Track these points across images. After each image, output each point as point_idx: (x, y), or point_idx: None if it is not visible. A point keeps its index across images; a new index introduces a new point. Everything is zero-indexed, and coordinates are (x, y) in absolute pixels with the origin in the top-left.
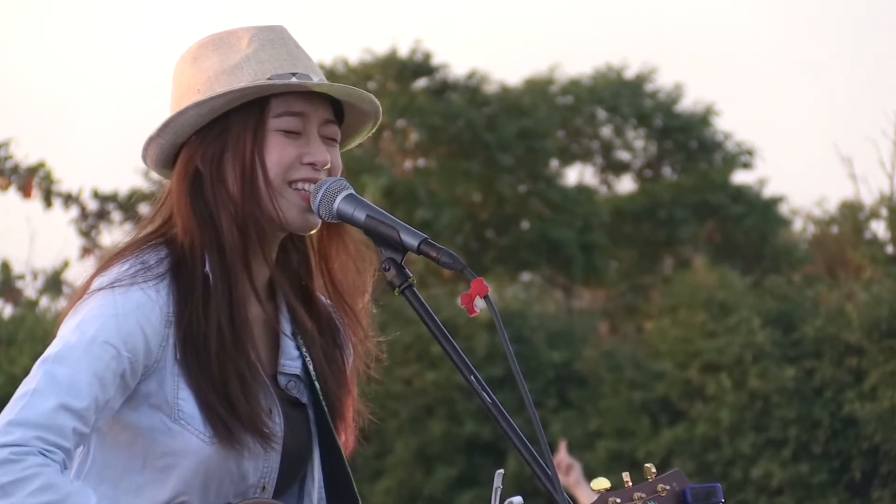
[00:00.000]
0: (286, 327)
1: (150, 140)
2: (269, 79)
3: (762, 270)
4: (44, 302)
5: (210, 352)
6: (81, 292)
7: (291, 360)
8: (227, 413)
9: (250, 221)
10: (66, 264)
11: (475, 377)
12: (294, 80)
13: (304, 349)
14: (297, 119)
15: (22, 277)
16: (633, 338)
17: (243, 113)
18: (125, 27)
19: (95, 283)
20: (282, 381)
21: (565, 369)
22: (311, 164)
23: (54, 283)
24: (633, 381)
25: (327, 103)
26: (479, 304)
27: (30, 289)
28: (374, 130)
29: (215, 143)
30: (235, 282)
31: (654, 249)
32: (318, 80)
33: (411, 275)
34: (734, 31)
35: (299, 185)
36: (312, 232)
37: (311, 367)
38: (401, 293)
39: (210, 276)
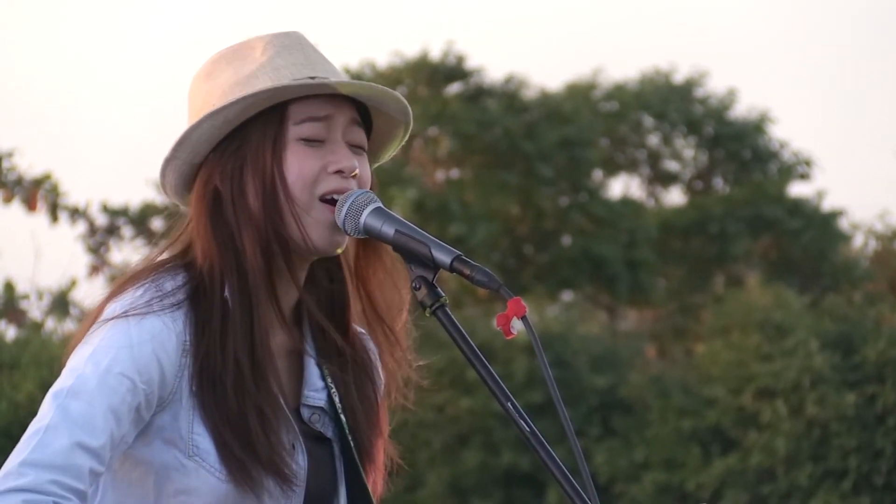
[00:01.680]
0: (311, 356)
1: (167, 163)
2: (285, 85)
3: (820, 289)
4: (49, 324)
5: (227, 386)
6: (93, 319)
7: (316, 391)
8: (246, 453)
9: (274, 241)
10: (73, 283)
11: (512, 404)
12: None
13: (329, 380)
14: (320, 124)
15: (26, 297)
16: (683, 361)
17: (261, 122)
18: (139, 29)
19: (108, 310)
20: (305, 413)
21: (609, 395)
22: (339, 172)
23: (61, 304)
24: (683, 408)
25: (352, 105)
26: (517, 325)
27: (35, 309)
28: (405, 140)
29: (234, 159)
30: (257, 308)
31: (704, 267)
32: (337, 80)
33: (444, 294)
34: (790, 33)
35: (328, 197)
36: (339, 251)
37: (336, 400)
38: (432, 314)
39: (229, 302)
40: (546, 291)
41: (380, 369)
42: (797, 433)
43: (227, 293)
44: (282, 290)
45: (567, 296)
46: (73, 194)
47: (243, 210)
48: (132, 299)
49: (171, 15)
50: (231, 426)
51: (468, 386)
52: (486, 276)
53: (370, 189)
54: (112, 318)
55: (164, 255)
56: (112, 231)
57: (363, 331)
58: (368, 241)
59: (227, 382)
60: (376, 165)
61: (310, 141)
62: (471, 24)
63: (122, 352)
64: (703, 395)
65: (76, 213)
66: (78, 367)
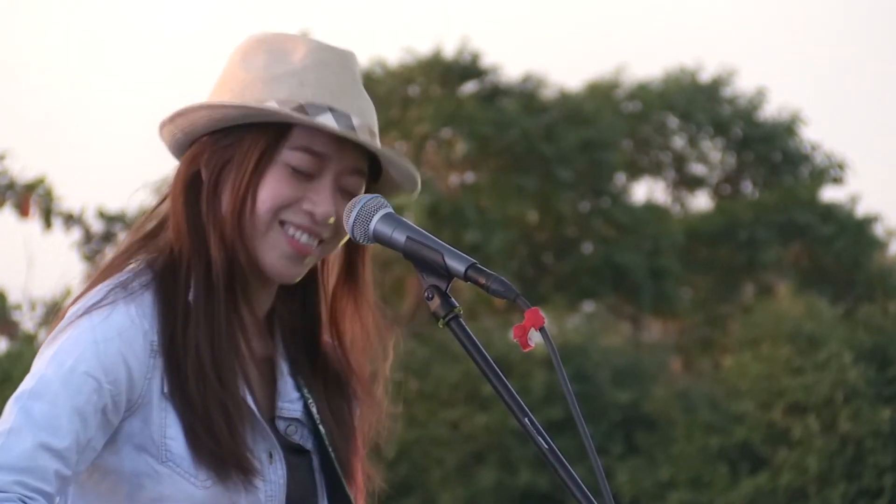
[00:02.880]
0: (284, 366)
1: (162, 125)
2: (299, 105)
3: (854, 299)
4: (43, 336)
5: (188, 377)
6: (60, 319)
7: (291, 401)
8: (212, 444)
9: (238, 249)
10: (67, 293)
11: (530, 420)
12: (327, 116)
13: (305, 391)
14: (314, 161)
15: (18, 308)
16: (709, 375)
17: (260, 131)
18: (138, 28)
19: (72, 310)
20: (280, 425)
21: (633, 411)
22: (311, 214)
23: (55, 315)
24: (710, 424)
25: (360, 152)
26: (535, 337)
27: (27, 321)
28: (413, 196)
29: (223, 153)
30: (219, 305)
31: (732, 275)
32: (358, 124)
33: (458, 304)
34: (823, 29)
35: (290, 231)
36: (292, 282)
37: (314, 410)
38: (446, 325)
39: (191, 294)
40: (566, 302)
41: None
42: (830, 450)
43: (191, 281)
44: (252, 293)
45: (588, 306)
46: (68, 199)
47: (215, 209)
48: (96, 296)
49: (173, 15)
50: (198, 418)
51: (483, 401)
52: (503, 285)
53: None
54: (76, 318)
55: (139, 235)
56: (109, 238)
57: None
58: (351, 282)
59: (188, 373)
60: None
61: (296, 171)
62: (486, 19)
63: (86, 351)
64: (731, 411)
65: (71, 220)
66: (41, 368)
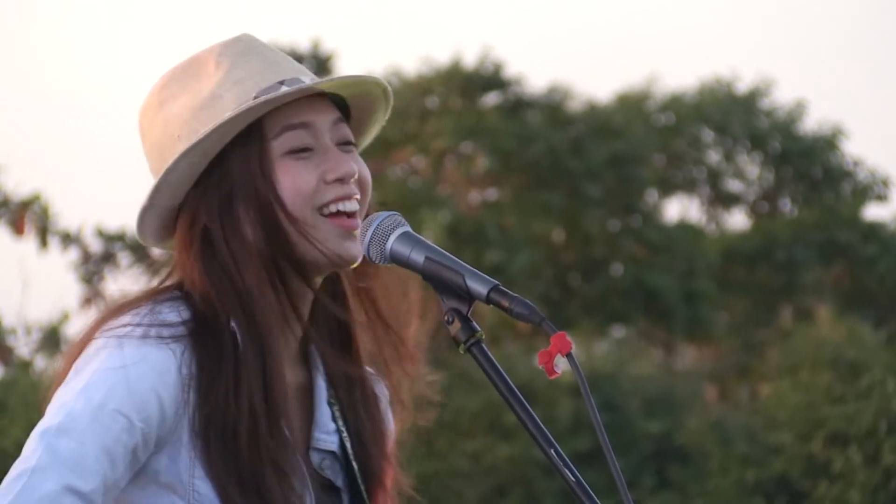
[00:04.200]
0: (322, 394)
1: (144, 211)
2: (254, 97)
3: None
4: (39, 362)
5: (240, 436)
6: (82, 346)
7: (327, 433)
8: (258, 500)
9: (283, 270)
10: (65, 317)
11: (556, 451)
12: (284, 88)
13: (340, 422)
14: (302, 132)
15: (13, 332)
16: (746, 404)
17: (240, 147)
18: (138, 42)
19: (99, 336)
20: (314, 458)
21: (665, 442)
22: (339, 180)
23: (51, 340)
24: (746, 456)
25: (330, 102)
26: (562, 363)
27: (22, 346)
28: (387, 116)
29: (219, 192)
30: (270, 350)
31: (770, 298)
32: (309, 80)
33: (479, 329)
34: (864, 39)
35: (332, 208)
36: (355, 264)
37: (348, 445)
38: (467, 350)
39: (240, 344)
40: (594, 326)
41: (390, 418)
42: (873, 484)
43: (234, 331)
44: (287, 326)
45: (617, 331)
46: (65, 217)
47: (240, 245)
48: (128, 326)
49: (174, 28)
50: (241, 482)
51: (507, 431)
52: (527, 308)
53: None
54: (105, 346)
55: (166, 284)
56: (108, 258)
57: (373, 372)
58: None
59: (240, 432)
60: (361, 149)
61: (296, 151)
62: (509, 27)
63: (117, 386)
64: (769, 442)
65: (68, 239)
66: (68, 402)
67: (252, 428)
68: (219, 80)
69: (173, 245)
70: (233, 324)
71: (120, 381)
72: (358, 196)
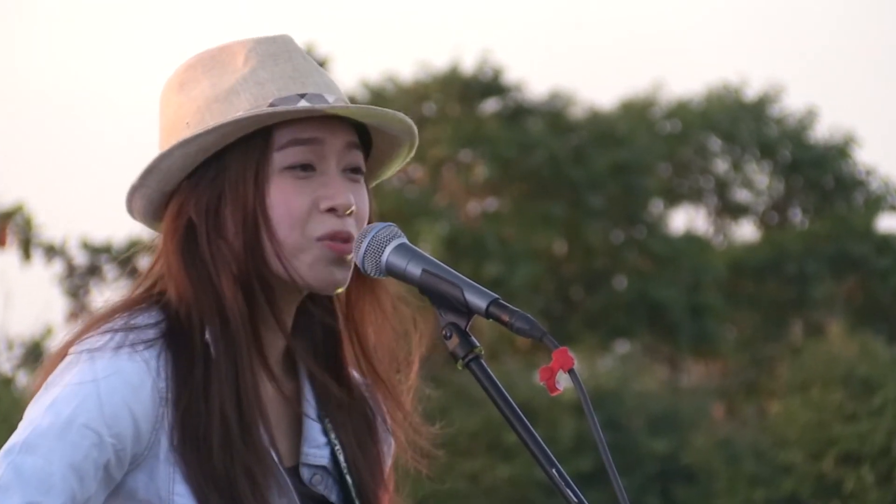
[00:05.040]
0: (311, 408)
1: (134, 190)
2: (270, 104)
3: None
4: (21, 378)
5: (212, 444)
6: (55, 362)
7: (317, 447)
8: None
9: (257, 282)
10: (48, 332)
11: (558, 472)
12: (303, 103)
13: (332, 435)
14: (309, 148)
15: None
16: (755, 422)
17: (242, 149)
18: (125, 48)
19: (72, 351)
20: (305, 474)
21: (670, 462)
22: (332, 210)
23: (34, 355)
24: (754, 475)
25: (348, 126)
26: (564, 380)
27: (4, 361)
28: (410, 157)
29: (211, 189)
30: (242, 357)
31: (780, 313)
32: (333, 100)
33: (478, 344)
34: (877, 44)
35: (329, 243)
36: (340, 290)
37: (341, 458)
38: (465, 367)
39: (211, 349)
40: (597, 341)
41: (386, 424)
42: None
43: (207, 336)
44: (268, 336)
45: (621, 346)
46: (49, 228)
47: (220, 248)
48: (99, 339)
49: (165, 33)
50: (218, 489)
51: (507, 451)
52: (528, 322)
53: (370, 220)
54: (76, 360)
55: (138, 291)
56: (93, 271)
57: (365, 382)
58: (361, 276)
59: (212, 440)
60: (376, 183)
61: (297, 168)
62: (509, 31)
63: (87, 400)
64: (778, 462)
65: (52, 251)
66: (35, 418)
67: (224, 434)
68: (242, 76)
69: (159, 228)
70: (207, 331)
71: (90, 395)
72: (352, 237)
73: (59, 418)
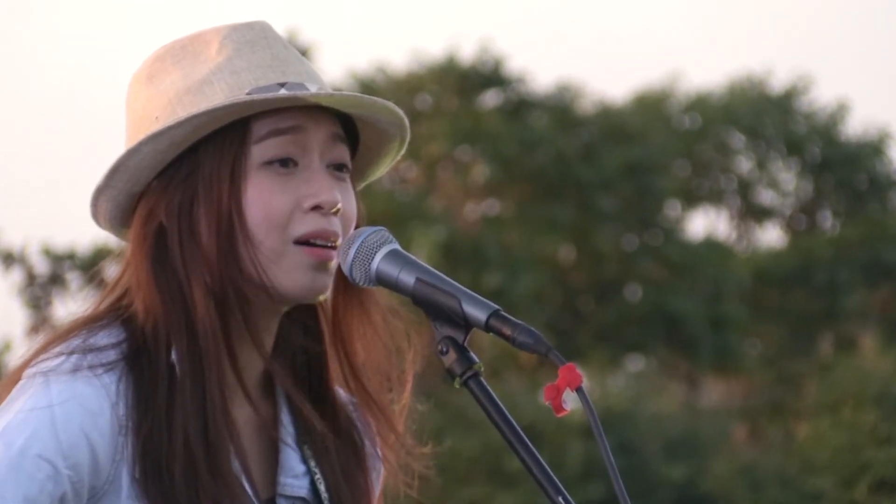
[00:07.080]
0: (288, 435)
1: (99, 192)
2: (247, 93)
3: None
4: None
5: (175, 475)
6: (8, 386)
7: (295, 477)
8: None
9: (233, 293)
10: (6, 346)
11: (565, 500)
12: (283, 91)
13: (312, 462)
14: (290, 139)
15: None
16: (780, 446)
17: (216, 143)
18: (87, 44)
19: (26, 374)
20: None
21: (688, 489)
22: (317, 208)
23: None
24: (781, 503)
25: (332, 117)
26: (571, 399)
27: None
28: (401, 154)
29: (183, 189)
30: (211, 377)
31: (808, 326)
32: (315, 89)
33: (478, 360)
34: None
35: (313, 242)
36: (322, 298)
37: (322, 488)
38: (463, 385)
39: (177, 369)
40: (608, 357)
41: (376, 448)
42: None
43: (173, 357)
44: (243, 354)
45: (634, 363)
46: (8, 234)
47: (193, 254)
48: (56, 361)
49: (139, 30)
50: None
51: (508, 477)
52: (532, 336)
53: (359, 223)
54: (31, 386)
55: (103, 305)
56: (55, 280)
57: (352, 401)
58: (350, 287)
59: (175, 470)
60: (364, 185)
61: (276, 164)
62: (511, 16)
63: (41, 428)
64: (807, 489)
65: (11, 258)
66: None
67: (187, 463)
68: (216, 66)
69: (125, 235)
70: (173, 351)
71: (45, 422)
72: (339, 239)
73: (11, 448)
